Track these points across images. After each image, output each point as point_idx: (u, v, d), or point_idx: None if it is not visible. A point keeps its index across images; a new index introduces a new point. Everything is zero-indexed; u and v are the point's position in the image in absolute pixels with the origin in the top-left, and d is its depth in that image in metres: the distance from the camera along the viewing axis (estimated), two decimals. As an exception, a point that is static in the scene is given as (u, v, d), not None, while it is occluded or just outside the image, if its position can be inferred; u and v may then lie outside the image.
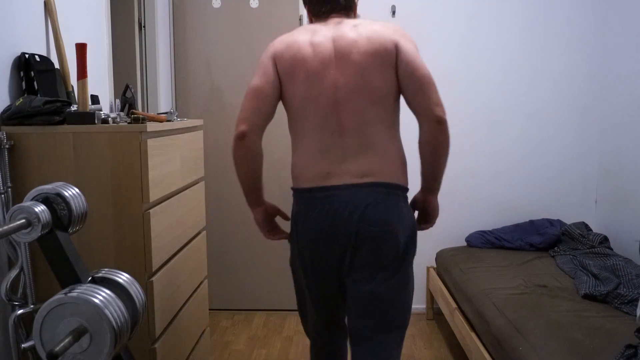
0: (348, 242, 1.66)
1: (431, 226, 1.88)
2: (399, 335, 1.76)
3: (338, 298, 1.79)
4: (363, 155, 1.68)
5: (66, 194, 1.35)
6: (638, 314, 1.75)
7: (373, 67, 1.68)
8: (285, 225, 1.85)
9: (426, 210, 1.85)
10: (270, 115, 1.73)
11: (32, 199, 1.33)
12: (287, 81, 1.72)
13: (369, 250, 1.67)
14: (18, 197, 1.65)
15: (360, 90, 1.68)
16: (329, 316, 1.84)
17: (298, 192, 1.74)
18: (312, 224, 1.68)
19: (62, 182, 1.39)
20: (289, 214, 1.86)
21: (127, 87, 2.30)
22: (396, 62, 1.68)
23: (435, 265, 3.25)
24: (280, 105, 1.77)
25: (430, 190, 1.80)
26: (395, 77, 1.70)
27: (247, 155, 1.69)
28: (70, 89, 1.97)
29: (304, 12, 3.22)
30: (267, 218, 1.84)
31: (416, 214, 1.87)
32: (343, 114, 1.69)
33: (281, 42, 1.75)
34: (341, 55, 1.69)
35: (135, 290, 1.39)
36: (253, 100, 1.69)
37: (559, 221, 3.17)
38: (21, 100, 1.68)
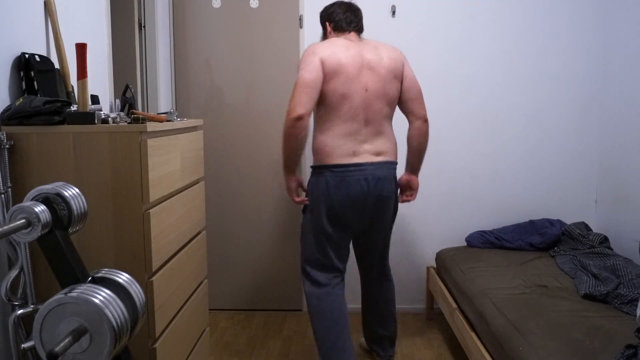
0: (374, 203, 2.37)
1: (414, 199, 2.62)
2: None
3: (348, 243, 2.48)
4: (377, 139, 2.38)
5: (66, 194, 1.35)
6: (638, 314, 1.75)
7: (390, 79, 2.38)
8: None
9: (411, 186, 2.59)
10: (316, 102, 2.28)
11: (32, 199, 1.33)
12: (330, 80, 2.28)
13: (383, 208, 2.42)
14: (18, 197, 1.65)
15: (381, 94, 2.37)
16: (337, 257, 2.44)
17: (331, 167, 2.32)
18: (348, 190, 2.31)
19: (62, 182, 1.39)
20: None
21: (127, 87, 2.30)
22: (402, 77, 2.43)
23: (435, 265, 3.25)
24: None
25: (415, 170, 2.57)
26: (400, 87, 2.43)
27: (300, 133, 2.22)
28: (70, 89, 1.97)
29: (304, 12, 3.25)
30: (298, 185, 2.42)
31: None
32: (369, 110, 2.34)
33: (325, 49, 2.30)
34: (371, 67, 2.35)
35: (135, 290, 1.39)
36: (307, 89, 2.22)
37: (559, 221, 3.17)
38: (21, 100, 1.68)
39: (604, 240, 2.92)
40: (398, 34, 3.24)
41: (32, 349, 1.28)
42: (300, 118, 2.18)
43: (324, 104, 2.31)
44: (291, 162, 2.32)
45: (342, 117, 2.31)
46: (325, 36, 2.56)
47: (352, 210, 2.35)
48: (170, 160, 1.89)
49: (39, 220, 1.27)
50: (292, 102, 2.21)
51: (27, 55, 1.79)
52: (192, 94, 3.38)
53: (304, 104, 2.20)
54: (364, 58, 2.34)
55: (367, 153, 2.35)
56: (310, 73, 2.24)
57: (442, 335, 3.10)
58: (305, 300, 3.44)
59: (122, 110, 2.26)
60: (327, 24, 2.51)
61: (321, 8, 2.63)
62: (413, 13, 3.23)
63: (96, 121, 1.70)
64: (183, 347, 2.06)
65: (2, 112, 1.68)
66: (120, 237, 1.68)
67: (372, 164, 2.34)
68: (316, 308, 2.40)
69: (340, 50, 2.32)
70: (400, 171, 2.58)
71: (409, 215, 3.36)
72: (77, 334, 1.20)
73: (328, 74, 2.27)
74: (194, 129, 2.25)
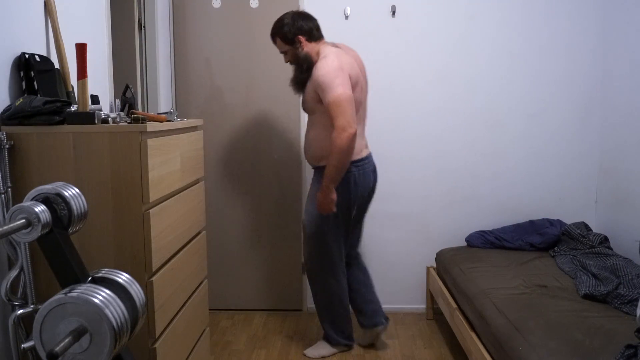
0: (374, 185, 2.74)
1: None
2: None
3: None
4: (363, 135, 2.71)
5: (66, 194, 1.35)
6: (638, 314, 1.75)
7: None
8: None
9: None
10: None
11: (32, 199, 1.33)
12: (353, 90, 2.48)
13: (375, 188, 2.76)
14: (18, 197, 1.65)
15: (366, 95, 2.69)
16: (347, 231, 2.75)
17: (360, 161, 2.61)
18: (370, 178, 2.67)
19: (62, 182, 1.39)
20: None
21: (127, 87, 2.30)
22: None
23: (435, 265, 3.25)
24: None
25: None
26: None
27: (354, 146, 2.47)
28: (70, 89, 1.97)
29: (304, 12, 3.24)
30: None
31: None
32: (364, 110, 2.68)
33: (344, 61, 2.48)
34: (362, 74, 2.62)
35: (135, 290, 1.39)
36: (352, 106, 2.43)
37: (559, 221, 3.17)
38: (21, 100, 1.68)
39: (604, 240, 2.92)
40: (398, 34, 3.24)
41: (32, 349, 1.28)
42: (356, 133, 2.44)
43: None
44: (341, 175, 2.50)
45: (358, 120, 2.56)
46: (296, 49, 2.58)
47: (366, 195, 2.69)
48: (170, 160, 1.89)
49: (39, 220, 1.27)
50: (344, 119, 2.38)
51: (27, 55, 1.79)
52: (192, 94, 3.38)
53: (355, 119, 2.44)
54: (357, 64, 2.60)
55: (363, 147, 2.68)
56: (349, 89, 2.43)
57: (442, 335, 3.10)
58: (305, 299, 3.45)
59: (122, 110, 2.26)
60: (300, 37, 2.56)
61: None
62: (413, 13, 3.23)
63: (96, 121, 1.70)
64: (183, 347, 2.06)
65: (2, 112, 1.68)
66: (120, 237, 1.68)
67: (369, 154, 2.70)
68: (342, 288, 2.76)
69: (349, 60, 2.53)
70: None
71: (409, 215, 3.36)
72: (77, 334, 1.20)
73: (351, 86, 2.48)
74: (194, 129, 2.25)
